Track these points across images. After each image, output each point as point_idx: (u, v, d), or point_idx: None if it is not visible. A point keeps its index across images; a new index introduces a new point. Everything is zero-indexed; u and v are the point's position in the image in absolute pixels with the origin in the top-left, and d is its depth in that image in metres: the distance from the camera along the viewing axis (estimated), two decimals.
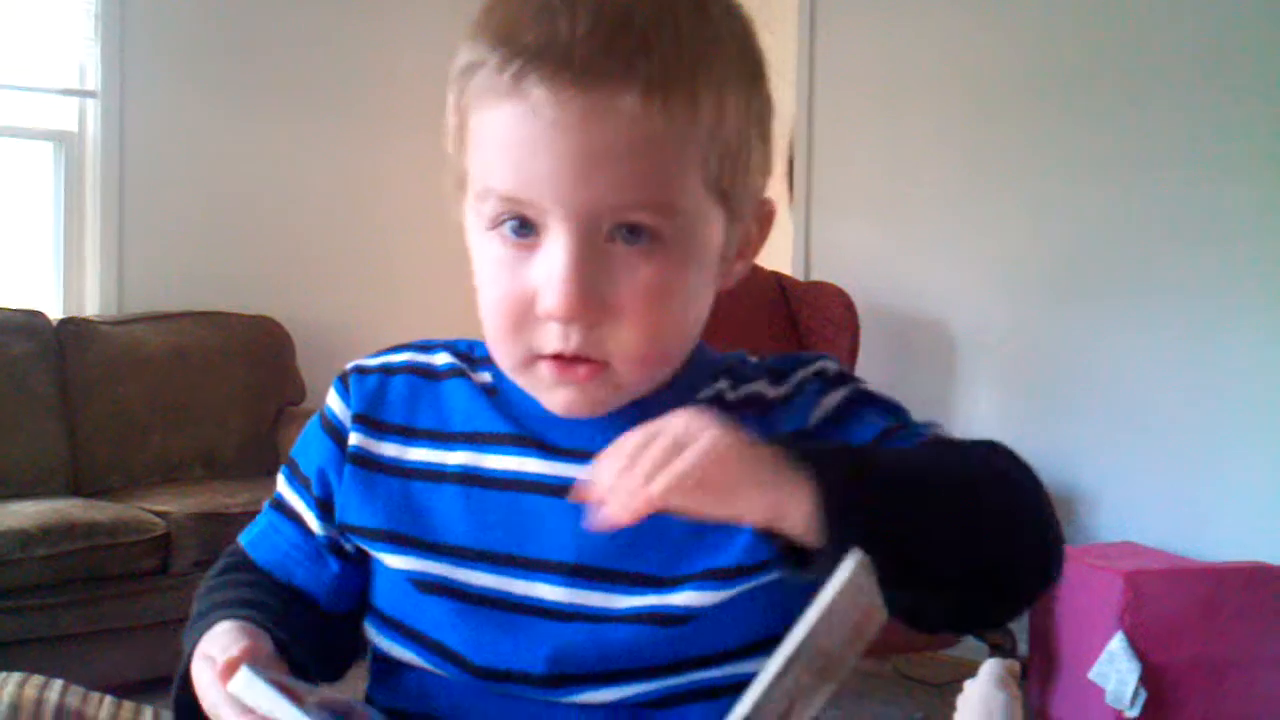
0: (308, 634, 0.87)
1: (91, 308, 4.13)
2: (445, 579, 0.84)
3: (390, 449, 0.89)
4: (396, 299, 4.70)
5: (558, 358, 0.79)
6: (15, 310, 3.77)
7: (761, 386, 0.87)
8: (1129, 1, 3.56)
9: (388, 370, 0.92)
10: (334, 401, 0.93)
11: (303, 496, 0.92)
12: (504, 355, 0.82)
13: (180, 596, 3.32)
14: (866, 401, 0.86)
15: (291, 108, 4.51)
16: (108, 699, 1.17)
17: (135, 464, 3.83)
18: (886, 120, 4.22)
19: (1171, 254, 3.44)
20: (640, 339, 0.78)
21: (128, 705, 1.18)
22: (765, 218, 0.87)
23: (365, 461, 0.89)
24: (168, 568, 3.36)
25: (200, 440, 3.98)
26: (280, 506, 0.94)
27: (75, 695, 1.14)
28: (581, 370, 0.79)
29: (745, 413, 0.85)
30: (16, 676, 1.13)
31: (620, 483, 0.67)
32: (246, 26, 4.41)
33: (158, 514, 3.41)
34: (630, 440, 0.69)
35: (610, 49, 0.73)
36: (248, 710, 0.73)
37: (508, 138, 0.76)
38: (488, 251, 0.80)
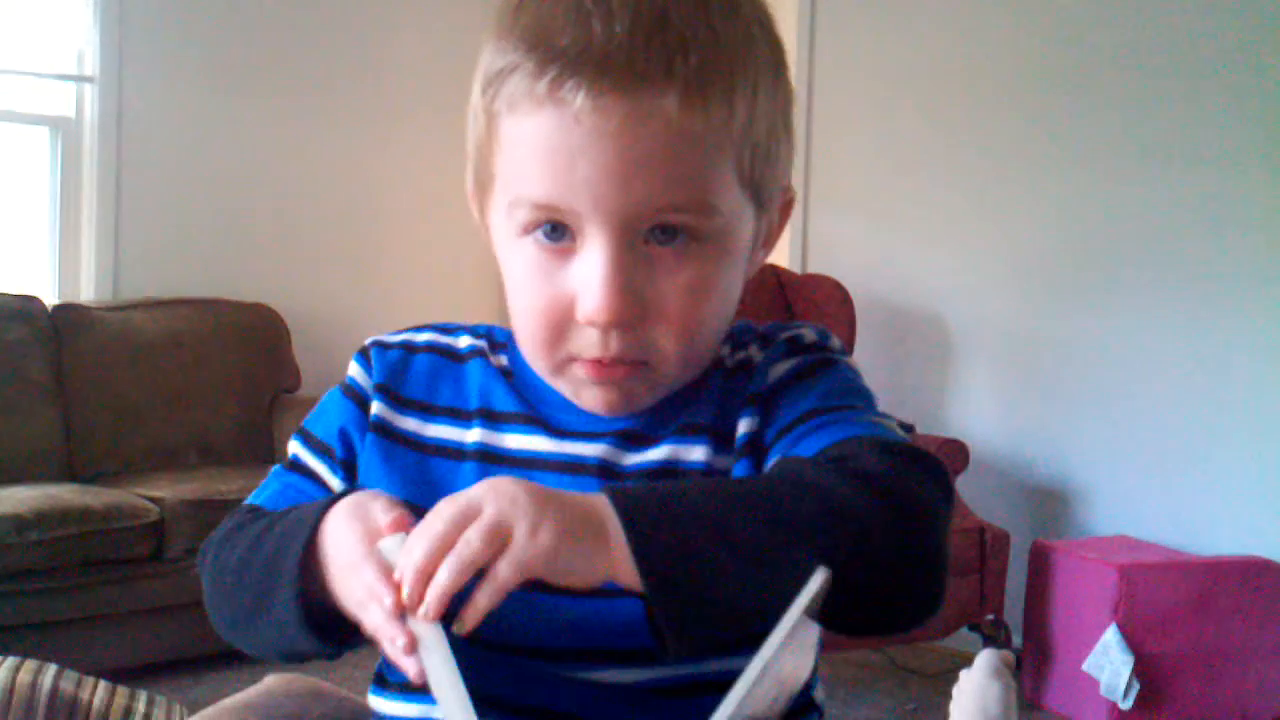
0: None
1: (87, 294, 4.12)
2: None
3: (410, 423, 0.88)
4: (393, 288, 4.70)
5: (597, 361, 0.79)
6: (11, 295, 3.76)
7: (752, 351, 0.87)
8: (1126, 2, 3.56)
9: (410, 347, 0.92)
10: (355, 371, 0.92)
11: (324, 460, 0.90)
12: (540, 360, 0.82)
13: (174, 582, 3.33)
14: (811, 374, 0.85)
15: (290, 96, 4.49)
16: (101, 684, 1.17)
17: (130, 450, 3.82)
18: (883, 114, 4.22)
19: (1168, 248, 3.45)
20: (679, 339, 0.79)
21: (121, 690, 1.18)
22: (786, 206, 0.87)
23: (385, 432, 0.88)
24: (161, 554, 3.36)
25: (195, 427, 3.98)
26: (297, 468, 0.91)
27: (69, 680, 1.14)
28: (619, 371, 0.79)
29: (737, 377, 0.86)
30: (11, 661, 1.13)
31: (443, 579, 0.66)
32: (245, 13, 4.40)
33: (152, 500, 3.41)
34: (439, 524, 0.67)
35: (649, 51, 0.72)
36: (389, 572, 0.70)
37: (545, 145, 0.75)
38: (520, 256, 0.80)
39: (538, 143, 0.75)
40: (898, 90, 4.17)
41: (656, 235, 0.77)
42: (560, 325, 0.79)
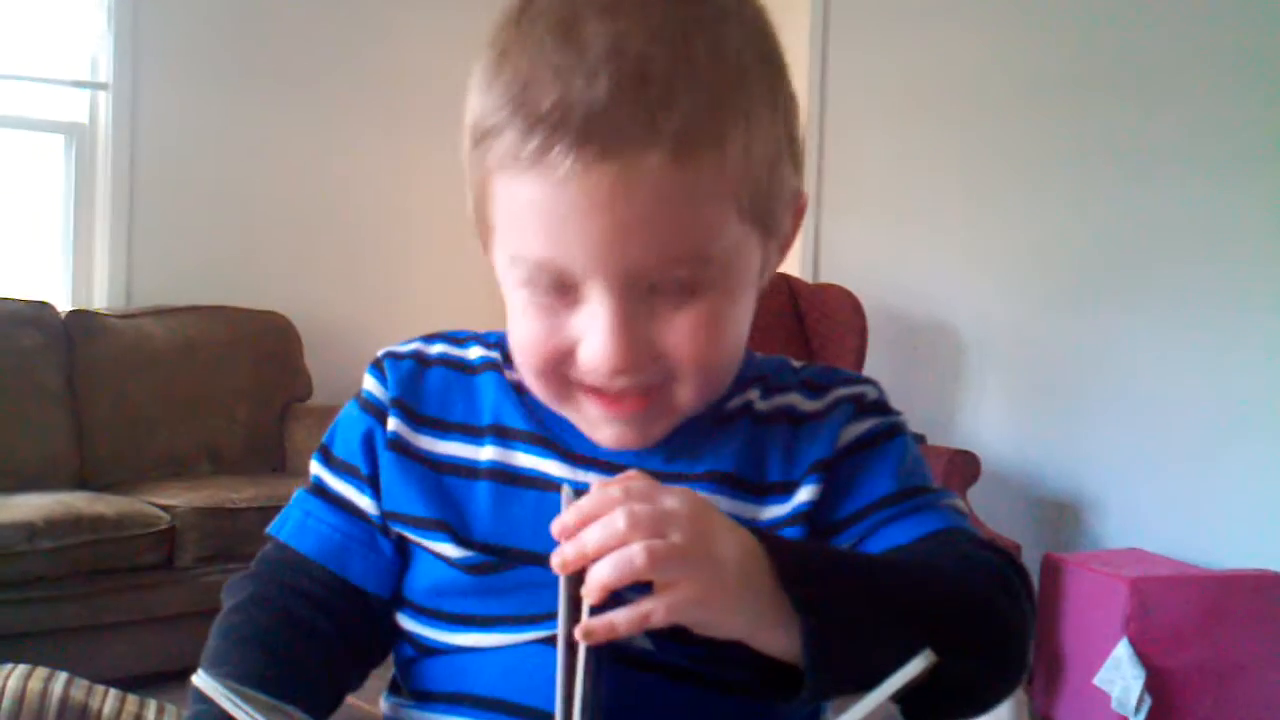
0: (352, 631, 0.85)
1: (100, 300, 4.13)
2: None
3: (424, 441, 0.87)
4: (405, 297, 4.70)
5: (600, 392, 0.78)
6: (24, 302, 3.77)
7: (795, 399, 0.85)
8: (1136, 8, 3.55)
9: (422, 359, 0.91)
10: (371, 385, 0.90)
11: (350, 481, 0.89)
12: (542, 391, 0.81)
13: (185, 590, 3.34)
14: (879, 444, 0.84)
15: (304, 103, 4.51)
16: (112, 692, 1.17)
17: (141, 458, 3.83)
18: (895, 124, 4.21)
19: (1181, 259, 3.43)
20: (694, 376, 0.77)
21: (132, 699, 1.18)
22: (798, 211, 0.85)
23: (403, 449, 0.87)
24: (172, 561, 3.36)
25: (207, 435, 3.98)
26: (321, 493, 0.90)
27: (80, 688, 1.14)
28: (631, 404, 0.78)
29: (774, 424, 0.84)
30: (21, 669, 1.12)
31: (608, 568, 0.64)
32: (259, 20, 4.41)
33: (163, 508, 3.41)
34: (622, 520, 0.66)
35: (633, 110, 0.69)
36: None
37: (536, 209, 0.73)
38: (521, 299, 0.78)
39: (530, 206, 0.73)
40: (910, 98, 4.17)
41: (658, 288, 0.75)
42: (562, 362, 0.78)
